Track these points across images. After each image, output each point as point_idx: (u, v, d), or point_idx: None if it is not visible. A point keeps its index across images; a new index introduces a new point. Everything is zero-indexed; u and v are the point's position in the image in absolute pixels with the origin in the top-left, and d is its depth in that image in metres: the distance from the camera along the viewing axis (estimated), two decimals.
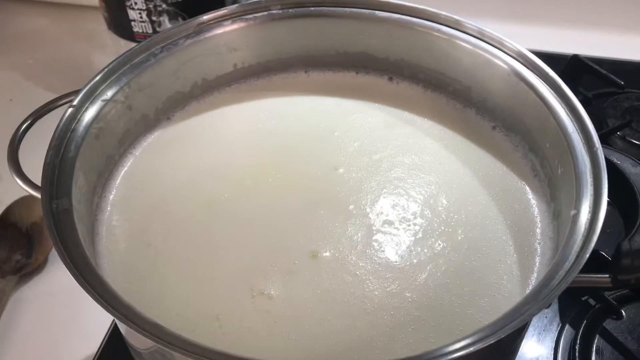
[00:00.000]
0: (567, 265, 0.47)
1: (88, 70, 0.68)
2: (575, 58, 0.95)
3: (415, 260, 0.57)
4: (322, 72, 0.75)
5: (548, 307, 0.53)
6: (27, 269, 0.77)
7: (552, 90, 0.60)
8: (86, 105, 0.60)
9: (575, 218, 0.50)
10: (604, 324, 0.68)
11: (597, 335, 0.67)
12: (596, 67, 0.93)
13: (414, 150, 0.67)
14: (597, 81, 0.94)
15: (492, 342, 0.43)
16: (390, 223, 0.60)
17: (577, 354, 0.66)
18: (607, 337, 0.67)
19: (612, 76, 0.91)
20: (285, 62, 0.73)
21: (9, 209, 0.81)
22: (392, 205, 0.61)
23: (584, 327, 0.68)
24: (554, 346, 0.68)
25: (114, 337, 0.70)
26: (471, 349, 0.42)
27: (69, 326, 0.74)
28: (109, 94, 0.62)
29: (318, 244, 0.58)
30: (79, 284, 0.45)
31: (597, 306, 0.69)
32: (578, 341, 0.67)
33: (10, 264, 0.77)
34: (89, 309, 0.52)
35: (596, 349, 0.66)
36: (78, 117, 0.59)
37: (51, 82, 1.05)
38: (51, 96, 0.62)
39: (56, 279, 0.77)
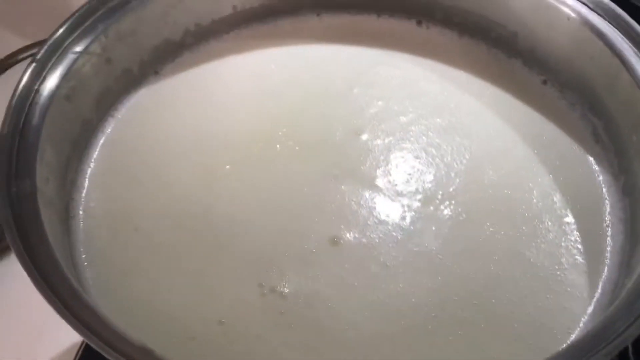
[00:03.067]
0: None
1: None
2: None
3: (459, 248, 0.47)
4: (336, 14, 0.63)
5: None
6: (2, 244, 0.67)
7: (626, 39, 0.49)
8: (53, 60, 0.49)
9: None
10: None
11: None
12: None
13: (450, 110, 0.56)
14: None
15: None
16: (427, 201, 0.50)
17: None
18: None
19: None
20: (293, 2, 0.63)
21: None
22: (428, 179, 0.51)
23: None
24: None
25: None
26: None
27: None
28: (82, 44, 0.51)
29: (339, 228, 0.48)
30: (43, 296, 0.36)
31: None
32: None
33: None
34: None
35: None
36: (43, 74, 0.48)
37: (26, 28, 0.92)
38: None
39: None
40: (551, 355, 0.35)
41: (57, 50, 0.49)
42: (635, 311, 0.36)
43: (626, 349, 0.54)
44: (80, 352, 0.61)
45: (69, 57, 0.49)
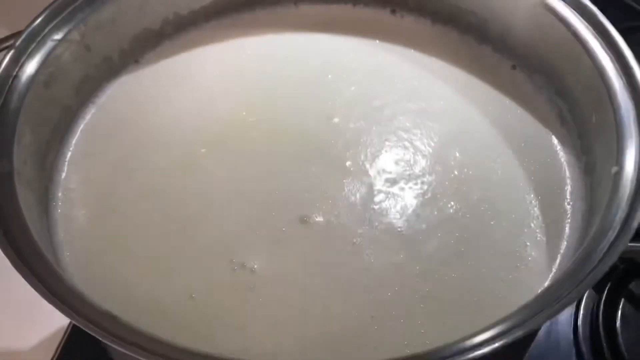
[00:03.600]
0: (612, 234, 0.39)
1: None
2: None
3: (423, 226, 0.49)
4: (313, 4, 0.65)
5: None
6: None
7: (587, 24, 0.51)
8: (31, 47, 0.50)
9: (617, 176, 0.42)
10: (629, 286, 0.60)
11: (623, 300, 0.59)
12: None
13: (422, 95, 0.58)
14: (623, 14, 0.83)
15: (519, 335, 0.35)
16: (394, 181, 0.51)
17: (600, 321, 0.58)
18: (634, 301, 0.59)
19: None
20: None
21: None
22: (396, 160, 0.53)
23: (607, 290, 0.59)
24: (573, 312, 0.60)
25: None
26: (495, 344, 0.34)
27: None
28: (61, 33, 0.52)
29: (309, 207, 0.50)
30: (16, 268, 0.37)
31: (622, 266, 0.61)
32: (601, 306, 0.59)
33: None
34: None
35: (622, 316, 0.58)
36: (21, 61, 0.49)
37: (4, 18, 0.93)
38: None
39: None
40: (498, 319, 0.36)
41: (35, 37, 0.51)
42: (578, 279, 0.37)
43: (601, 346, 0.56)
44: (66, 336, 0.62)
45: (48, 45, 0.51)
